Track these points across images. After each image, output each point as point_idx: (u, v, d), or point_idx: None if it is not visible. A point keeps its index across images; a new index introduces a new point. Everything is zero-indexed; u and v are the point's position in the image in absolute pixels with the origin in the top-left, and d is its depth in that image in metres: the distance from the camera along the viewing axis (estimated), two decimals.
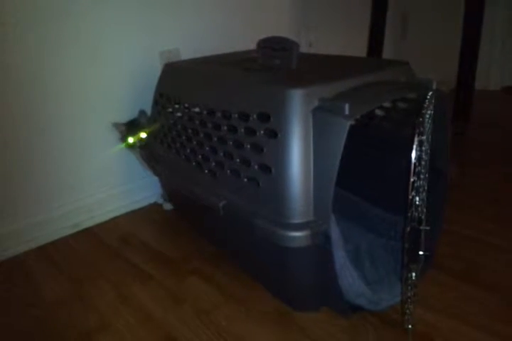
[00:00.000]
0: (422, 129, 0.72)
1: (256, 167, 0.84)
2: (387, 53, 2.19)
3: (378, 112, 1.11)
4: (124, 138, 1.30)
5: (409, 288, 0.79)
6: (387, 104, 1.07)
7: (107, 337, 0.91)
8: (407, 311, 0.82)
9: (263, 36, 1.07)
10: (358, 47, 2.13)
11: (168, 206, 1.42)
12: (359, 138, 1.13)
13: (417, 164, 0.71)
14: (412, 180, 0.70)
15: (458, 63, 2.01)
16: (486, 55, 2.58)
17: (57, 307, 1.02)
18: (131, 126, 1.29)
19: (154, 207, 1.46)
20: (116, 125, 1.30)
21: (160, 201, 1.45)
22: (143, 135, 1.28)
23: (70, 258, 1.20)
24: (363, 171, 1.17)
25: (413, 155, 0.69)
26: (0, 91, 1.12)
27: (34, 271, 1.15)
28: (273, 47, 1.06)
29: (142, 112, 1.30)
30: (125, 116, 1.33)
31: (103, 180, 1.37)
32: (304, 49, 1.75)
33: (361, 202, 1.18)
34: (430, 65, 2.01)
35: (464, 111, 2.08)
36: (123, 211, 1.40)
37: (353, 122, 1.15)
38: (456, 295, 0.97)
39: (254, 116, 0.84)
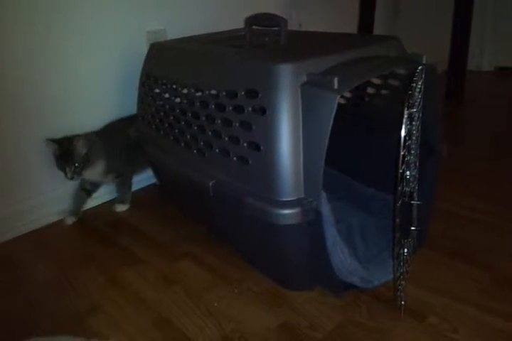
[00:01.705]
0: (411, 102, 0.70)
1: (245, 145, 0.83)
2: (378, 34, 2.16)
3: (370, 90, 1.10)
4: (55, 162, 1.16)
5: (401, 264, 0.79)
6: (377, 81, 1.05)
7: (99, 320, 0.90)
8: (400, 287, 0.81)
9: None
10: (348, 27, 2.09)
11: (70, 220, 1.26)
12: (350, 118, 1.12)
13: (407, 138, 0.70)
14: (402, 153, 0.68)
15: (450, 43, 1.99)
16: (479, 36, 2.56)
17: (47, 291, 1.01)
18: (63, 150, 1.15)
19: (144, 191, 1.45)
20: (48, 142, 1.16)
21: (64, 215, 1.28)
22: (76, 164, 1.15)
23: (59, 244, 1.19)
24: (355, 151, 1.16)
25: (403, 128, 0.68)
26: None
27: (23, 256, 1.14)
28: (261, 24, 1.04)
29: (81, 136, 1.18)
30: (113, 97, 1.32)
31: None
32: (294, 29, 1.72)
33: (353, 182, 1.17)
34: (423, 46, 1.99)
35: (457, 91, 2.07)
36: (113, 196, 1.38)
37: (343, 101, 1.15)
38: (449, 273, 0.97)
39: (242, 93, 0.82)
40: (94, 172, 1.23)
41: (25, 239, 1.22)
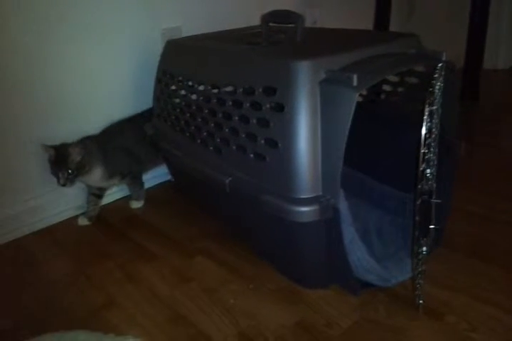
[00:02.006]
0: (432, 99, 0.70)
1: (262, 142, 0.83)
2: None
3: (386, 87, 1.09)
4: (50, 167, 1.15)
5: (420, 262, 0.78)
6: (394, 79, 1.04)
7: (115, 315, 0.91)
8: (418, 286, 0.81)
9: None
10: (363, 25, 2.08)
11: (83, 221, 1.27)
12: (366, 115, 1.11)
13: (427, 136, 0.69)
14: (422, 151, 0.68)
15: (466, 41, 1.98)
16: (495, 35, 2.53)
17: (63, 286, 1.01)
18: (58, 155, 1.13)
19: (158, 188, 1.45)
20: (44, 147, 1.14)
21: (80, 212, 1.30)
22: (69, 171, 1.13)
23: (74, 239, 1.20)
24: (370, 149, 1.15)
25: (424, 126, 0.68)
26: None
27: (39, 252, 1.15)
28: (278, 21, 1.04)
29: (77, 143, 1.17)
30: (126, 95, 1.33)
31: None
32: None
33: (368, 180, 1.16)
34: (438, 44, 1.98)
35: (472, 90, 2.05)
36: (128, 192, 1.39)
37: (360, 98, 1.14)
38: (467, 272, 0.96)
39: (260, 90, 0.82)
40: (92, 179, 1.22)
41: (39, 236, 1.22)
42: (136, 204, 1.34)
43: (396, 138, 1.09)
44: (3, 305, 0.97)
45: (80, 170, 1.16)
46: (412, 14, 2.34)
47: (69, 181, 1.14)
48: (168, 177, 1.44)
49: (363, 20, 2.09)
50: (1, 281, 1.05)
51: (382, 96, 1.13)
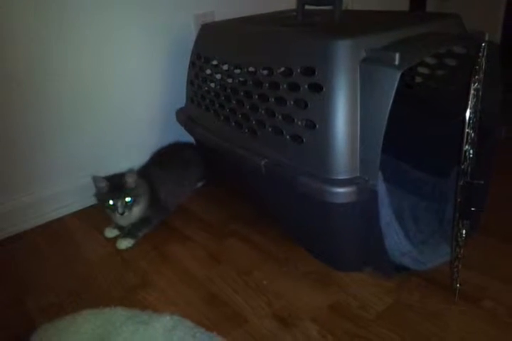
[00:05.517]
0: (478, 77, 0.68)
1: (299, 123, 0.82)
2: None
3: (422, 70, 1.07)
4: (102, 199, 1.09)
5: (460, 245, 0.77)
6: (432, 61, 1.02)
7: (151, 293, 0.93)
8: (456, 270, 0.80)
9: None
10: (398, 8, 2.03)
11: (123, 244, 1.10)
12: (400, 99, 1.10)
13: (472, 116, 0.68)
14: (467, 131, 0.66)
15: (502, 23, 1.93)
16: None
17: (100, 265, 1.04)
18: (114, 185, 1.08)
19: None
20: (95, 179, 1.08)
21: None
22: (127, 199, 1.07)
23: (109, 221, 1.21)
24: (404, 134, 1.13)
25: (469, 105, 0.66)
26: None
27: (76, 233, 1.18)
28: (314, 2, 1.03)
29: (131, 171, 1.10)
30: (161, 81, 1.32)
31: (139, 149, 1.37)
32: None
33: (402, 165, 1.15)
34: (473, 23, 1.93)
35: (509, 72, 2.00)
36: None
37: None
38: (503, 257, 0.95)
39: (298, 70, 0.81)
40: (136, 212, 1.11)
41: (77, 217, 1.25)
42: (126, 244, 1.09)
43: (431, 123, 1.07)
44: (47, 281, 0.99)
45: (136, 198, 1.09)
46: None
47: (127, 209, 1.08)
48: None
49: (396, 5, 2.04)
50: (44, 259, 1.08)
51: (418, 79, 1.11)
